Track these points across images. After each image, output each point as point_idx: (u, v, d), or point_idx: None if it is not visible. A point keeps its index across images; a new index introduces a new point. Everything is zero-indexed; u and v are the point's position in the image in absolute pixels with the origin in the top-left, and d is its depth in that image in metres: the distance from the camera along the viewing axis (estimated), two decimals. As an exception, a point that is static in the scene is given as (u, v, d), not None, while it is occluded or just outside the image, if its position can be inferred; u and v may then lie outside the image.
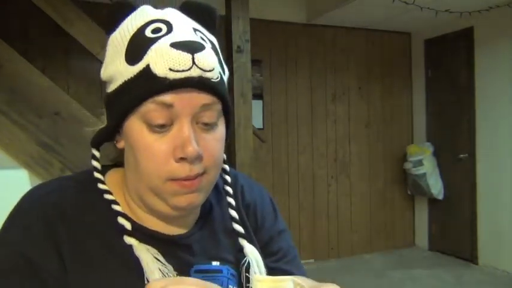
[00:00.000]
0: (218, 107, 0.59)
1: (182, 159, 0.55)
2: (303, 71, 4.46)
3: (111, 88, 0.59)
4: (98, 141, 0.65)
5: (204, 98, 0.56)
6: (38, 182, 1.79)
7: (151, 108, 0.55)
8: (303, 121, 4.46)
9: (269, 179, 4.27)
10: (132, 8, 0.60)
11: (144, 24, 0.57)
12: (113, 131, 0.61)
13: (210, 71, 0.55)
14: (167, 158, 0.56)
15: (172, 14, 0.60)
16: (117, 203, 0.62)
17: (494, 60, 4.05)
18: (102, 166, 0.67)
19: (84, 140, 0.70)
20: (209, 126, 0.58)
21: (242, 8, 2.29)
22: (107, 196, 0.63)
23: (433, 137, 4.69)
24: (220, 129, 0.60)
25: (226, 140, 0.63)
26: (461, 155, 4.34)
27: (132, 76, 0.55)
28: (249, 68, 2.33)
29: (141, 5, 0.62)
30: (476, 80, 4.21)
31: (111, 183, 0.65)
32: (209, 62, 0.55)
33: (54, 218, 0.58)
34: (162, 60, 0.53)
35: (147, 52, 0.54)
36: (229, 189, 0.71)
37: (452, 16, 3.99)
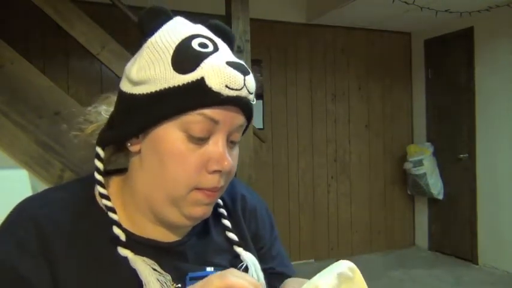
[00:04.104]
0: (244, 127, 0.63)
1: (216, 171, 0.58)
2: (303, 71, 4.46)
3: (142, 90, 0.58)
4: (109, 141, 0.64)
5: (242, 118, 0.60)
6: (38, 182, 1.79)
7: (196, 119, 0.56)
8: (303, 121, 4.46)
9: (269, 179, 4.27)
10: (167, 16, 0.61)
11: (189, 37, 0.59)
12: (133, 133, 0.60)
13: (252, 93, 0.60)
14: (199, 168, 0.58)
15: (209, 32, 0.62)
16: (114, 211, 0.62)
17: (494, 60, 4.05)
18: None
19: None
20: (233, 144, 0.62)
21: (242, 8, 2.29)
22: (105, 202, 0.62)
23: (433, 137, 4.69)
24: (238, 146, 0.64)
25: None
26: (461, 155, 4.35)
27: (181, 84, 0.56)
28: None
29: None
30: (476, 80, 4.21)
31: (110, 189, 0.64)
32: (253, 86, 0.60)
33: (50, 234, 0.58)
34: (219, 76, 0.55)
35: (200, 65, 0.56)
36: (219, 200, 0.72)
37: (452, 16, 3.99)
